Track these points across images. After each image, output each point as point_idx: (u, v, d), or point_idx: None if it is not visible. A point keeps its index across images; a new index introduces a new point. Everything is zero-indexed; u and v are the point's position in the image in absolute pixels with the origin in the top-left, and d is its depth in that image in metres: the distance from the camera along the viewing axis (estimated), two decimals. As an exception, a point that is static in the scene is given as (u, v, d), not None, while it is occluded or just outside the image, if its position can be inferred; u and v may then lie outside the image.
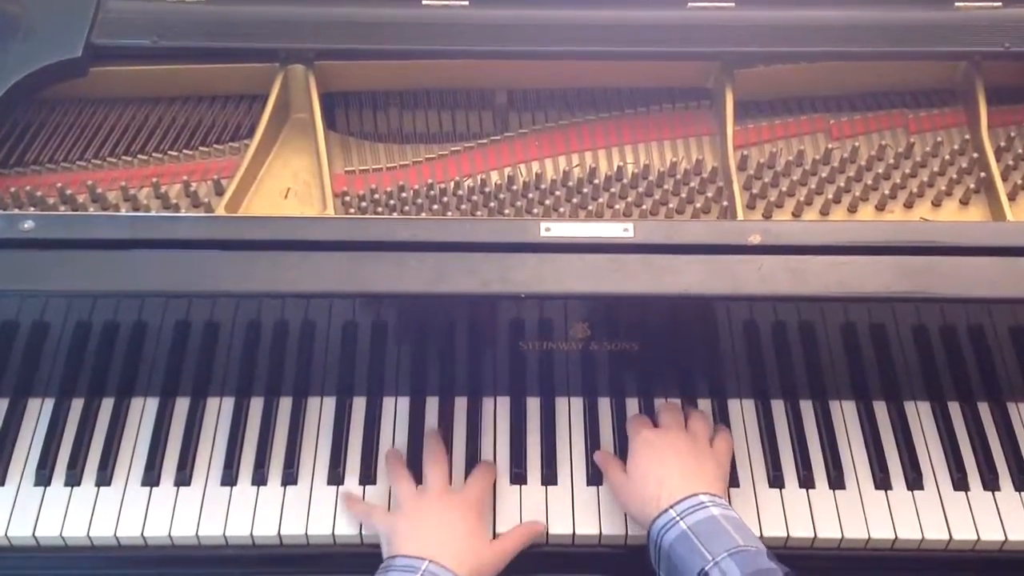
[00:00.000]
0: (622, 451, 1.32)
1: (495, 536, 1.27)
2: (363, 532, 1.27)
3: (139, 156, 1.42)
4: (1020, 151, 1.43)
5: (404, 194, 1.37)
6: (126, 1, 1.45)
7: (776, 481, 1.31)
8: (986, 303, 1.23)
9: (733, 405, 1.38)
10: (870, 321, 1.26)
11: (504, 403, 1.38)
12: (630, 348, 1.30)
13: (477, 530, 1.24)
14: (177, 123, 1.46)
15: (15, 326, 1.26)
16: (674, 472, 1.21)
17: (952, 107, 1.49)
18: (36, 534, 1.26)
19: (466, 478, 1.30)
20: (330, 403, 1.37)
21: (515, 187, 1.38)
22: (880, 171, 1.41)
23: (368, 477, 1.32)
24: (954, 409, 1.38)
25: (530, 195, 1.38)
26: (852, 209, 1.38)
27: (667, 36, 1.45)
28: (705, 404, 1.38)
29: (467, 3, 1.46)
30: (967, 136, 1.44)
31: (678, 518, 1.15)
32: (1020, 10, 1.46)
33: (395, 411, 1.37)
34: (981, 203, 1.39)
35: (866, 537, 1.27)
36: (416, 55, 1.46)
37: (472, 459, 1.32)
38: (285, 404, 1.37)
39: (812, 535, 1.27)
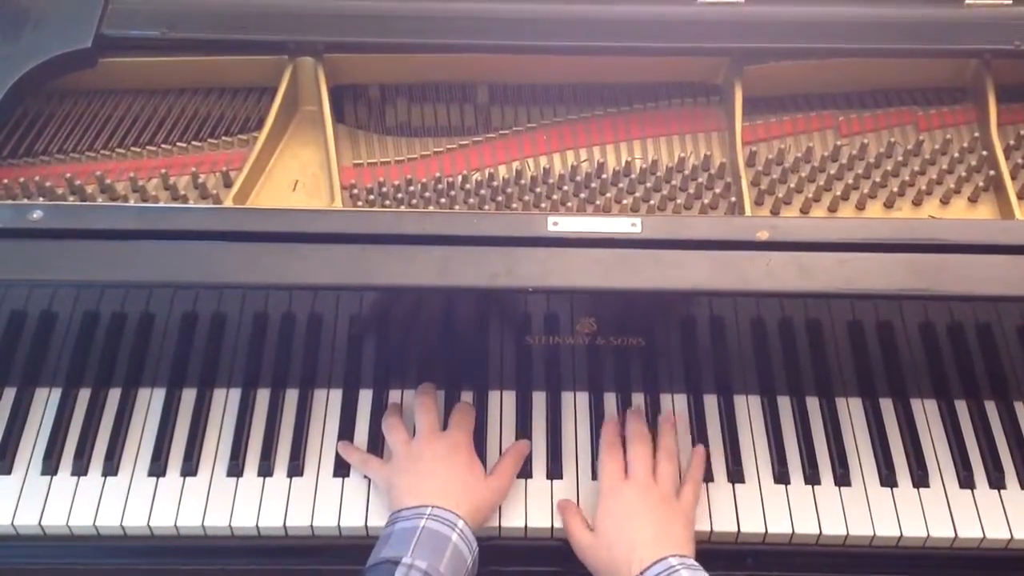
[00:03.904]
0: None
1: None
2: (368, 523, 1.28)
3: (148, 147, 1.42)
4: (1030, 149, 1.43)
5: (412, 187, 1.37)
6: (136, -8, 1.45)
7: (782, 478, 1.31)
8: (994, 301, 1.22)
9: (739, 401, 1.38)
10: (877, 318, 1.26)
11: (510, 397, 1.38)
12: (636, 343, 1.30)
13: (470, 470, 1.27)
14: (186, 115, 1.46)
15: (23, 316, 1.26)
16: (645, 534, 1.20)
17: (962, 105, 1.49)
18: (42, 523, 1.27)
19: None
20: (336, 395, 1.38)
21: (523, 181, 1.38)
22: (889, 168, 1.40)
23: (374, 469, 1.32)
24: (961, 407, 1.38)
25: (538, 189, 1.38)
26: (860, 206, 1.37)
27: (677, 32, 1.45)
28: (711, 400, 1.38)
29: (476, -4, 1.47)
30: (976, 134, 1.44)
31: None
32: (1030, 8, 1.46)
33: (401, 404, 1.37)
34: (990, 201, 1.38)
35: (871, 534, 1.27)
36: (425, 49, 1.46)
37: (479, 453, 1.32)
38: (292, 396, 1.38)
39: (817, 532, 1.27)
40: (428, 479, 1.24)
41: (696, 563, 1.18)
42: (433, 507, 1.20)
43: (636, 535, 1.20)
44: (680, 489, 1.27)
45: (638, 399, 1.38)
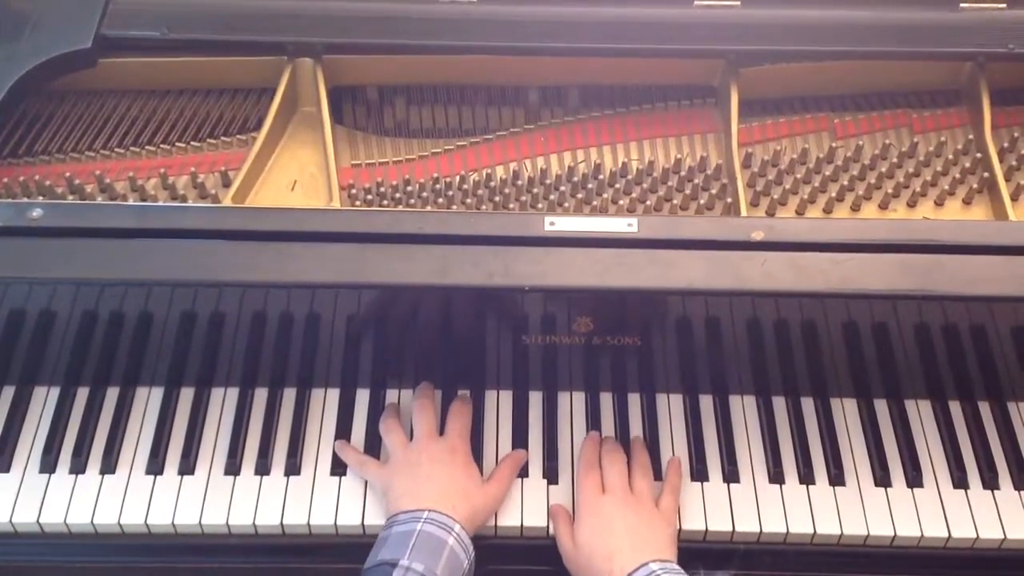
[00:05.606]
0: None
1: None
2: (365, 522, 1.28)
3: (147, 147, 1.43)
4: (1023, 152, 1.44)
5: (410, 187, 1.38)
6: (136, -7, 1.46)
7: (776, 477, 1.32)
8: (987, 301, 1.23)
9: (734, 401, 1.39)
10: (872, 319, 1.26)
11: (506, 396, 1.39)
12: (632, 343, 1.31)
13: (467, 475, 1.27)
14: (185, 115, 1.47)
15: (22, 314, 1.27)
16: (624, 543, 1.21)
17: (956, 107, 1.49)
18: (40, 521, 1.27)
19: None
20: (334, 394, 1.38)
21: (520, 182, 1.39)
22: (884, 170, 1.41)
23: (371, 468, 1.32)
24: (955, 408, 1.39)
25: (535, 190, 1.38)
26: (855, 207, 1.38)
27: (673, 34, 1.46)
28: (707, 400, 1.39)
29: (475, 0, 1.47)
30: (971, 136, 1.45)
31: None
32: (1025, 12, 1.47)
33: (399, 403, 1.38)
34: (984, 203, 1.39)
35: (865, 534, 1.28)
36: (424, 50, 1.47)
37: (475, 452, 1.32)
38: (289, 395, 1.38)
39: (812, 531, 1.28)
40: (425, 483, 1.25)
41: (678, 567, 1.18)
42: (430, 511, 1.20)
43: (615, 544, 1.21)
44: (659, 498, 1.28)
45: (634, 399, 1.39)
